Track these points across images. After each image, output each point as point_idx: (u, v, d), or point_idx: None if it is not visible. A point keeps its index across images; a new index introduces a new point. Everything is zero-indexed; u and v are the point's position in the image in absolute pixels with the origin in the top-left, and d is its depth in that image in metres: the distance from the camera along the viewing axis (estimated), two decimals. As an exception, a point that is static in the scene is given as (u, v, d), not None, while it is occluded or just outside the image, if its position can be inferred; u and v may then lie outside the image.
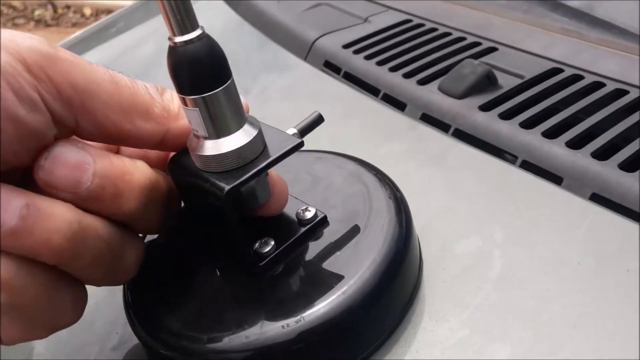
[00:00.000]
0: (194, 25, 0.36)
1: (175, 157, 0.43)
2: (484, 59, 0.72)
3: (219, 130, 0.39)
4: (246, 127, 0.40)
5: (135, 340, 0.46)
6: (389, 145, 0.63)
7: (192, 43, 0.36)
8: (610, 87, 0.62)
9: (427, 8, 0.88)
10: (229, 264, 0.45)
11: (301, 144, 0.42)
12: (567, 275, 0.42)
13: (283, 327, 0.39)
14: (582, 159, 0.53)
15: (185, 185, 0.42)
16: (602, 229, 0.45)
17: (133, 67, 0.99)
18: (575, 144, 0.55)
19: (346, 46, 0.83)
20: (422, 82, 0.70)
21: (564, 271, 0.43)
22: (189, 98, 0.38)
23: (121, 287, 0.48)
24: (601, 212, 0.47)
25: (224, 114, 0.38)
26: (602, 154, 0.53)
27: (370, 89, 0.74)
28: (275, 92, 0.82)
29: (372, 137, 0.65)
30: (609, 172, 0.50)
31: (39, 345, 0.51)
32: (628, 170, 0.50)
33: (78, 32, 1.31)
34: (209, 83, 0.37)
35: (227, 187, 0.38)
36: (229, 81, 0.38)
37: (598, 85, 0.63)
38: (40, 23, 6.00)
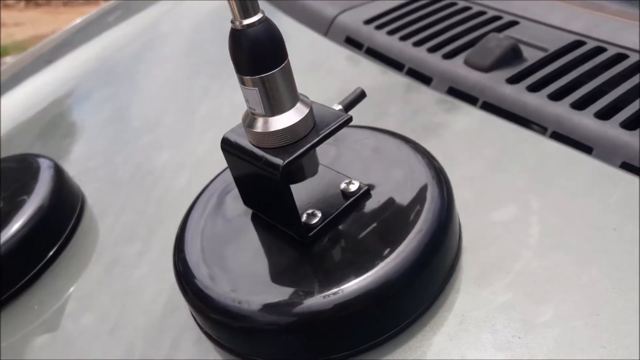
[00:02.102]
0: (255, 10, 0.37)
1: (227, 136, 0.45)
2: (506, 32, 0.73)
3: (274, 109, 0.41)
4: (299, 105, 0.41)
5: (182, 310, 0.49)
6: (419, 118, 0.64)
7: (253, 26, 0.37)
8: (633, 58, 0.63)
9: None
10: (277, 235, 0.47)
11: (350, 119, 0.43)
12: (603, 240, 0.44)
13: (323, 297, 0.41)
14: (611, 129, 0.54)
15: (240, 162, 0.44)
16: (635, 196, 0.47)
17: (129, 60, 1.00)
18: (603, 114, 0.56)
19: (367, 22, 0.84)
20: (447, 56, 0.71)
21: (600, 236, 0.45)
22: (248, 78, 0.39)
23: (171, 259, 0.50)
24: (632, 180, 0.49)
25: (280, 93, 0.40)
26: (630, 124, 0.54)
27: (394, 64, 0.75)
28: (297, 68, 0.82)
29: (401, 111, 0.66)
30: (638, 141, 0.52)
31: (86, 316, 0.53)
32: (657, 139, 0.52)
33: (78, 20, 1.31)
34: (267, 64, 0.39)
35: (283, 162, 0.40)
36: (285, 62, 0.40)
37: (621, 57, 0.64)
38: (31, 3, 5.94)
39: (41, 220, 0.60)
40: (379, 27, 0.81)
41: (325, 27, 0.88)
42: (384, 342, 0.42)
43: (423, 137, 0.55)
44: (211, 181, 0.55)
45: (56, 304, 0.56)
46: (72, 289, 0.57)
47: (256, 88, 0.39)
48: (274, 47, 0.39)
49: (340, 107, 0.47)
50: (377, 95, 0.71)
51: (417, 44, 0.75)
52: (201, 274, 0.46)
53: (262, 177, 0.42)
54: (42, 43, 1.29)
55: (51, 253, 0.61)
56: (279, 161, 0.40)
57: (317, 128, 0.42)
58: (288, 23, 0.93)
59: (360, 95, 0.48)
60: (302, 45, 0.87)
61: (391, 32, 0.79)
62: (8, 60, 4.26)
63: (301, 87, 0.72)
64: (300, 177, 0.45)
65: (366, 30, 0.82)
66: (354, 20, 0.85)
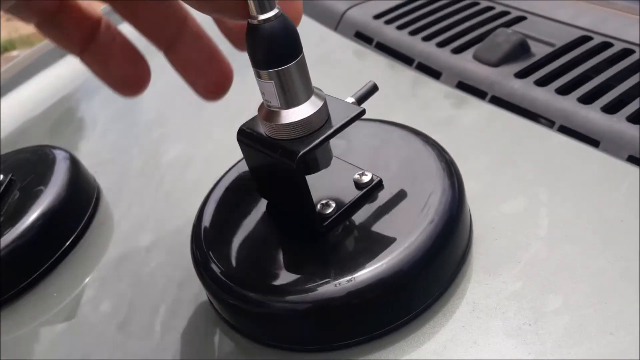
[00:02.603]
0: (272, 5, 0.38)
1: (243, 127, 0.46)
2: (514, 27, 0.74)
3: (289, 101, 0.42)
4: (313, 97, 0.43)
5: (199, 297, 0.50)
6: (428, 112, 0.65)
7: (270, 21, 0.38)
8: (639, 54, 0.64)
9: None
10: (292, 225, 0.48)
11: (363, 112, 0.44)
12: (611, 232, 0.45)
13: (335, 285, 0.42)
14: (618, 123, 0.55)
15: (256, 153, 0.45)
16: (641, 189, 0.48)
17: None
18: (610, 108, 0.57)
19: (377, 17, 0.85)
20: (456, 50, 0.72)
21: (608, 228, 0.46)
22: (264, 72, 0.40)
23: (186, 248, 0.51)
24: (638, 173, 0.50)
25: (295, 86, 0.41)
26: (636, 118, 0.55)
27: (404, 59, 0.76)
28: (308, 62, 0.83)
29: (410, 105, 0.67)
30: (644, 135, 0.53)
31: (104, 303, 0.55)
32: (663, 133, 0.53)
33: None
34: (283, 58, 0.40)
35: (299, 153, 0.41)
36: (301, 56, 0.41)
37: (627, 53, 0.65)
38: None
39: (59, 209, 0.61)
40: (388, 22, 0.82)
41: (335, 21, 0.89)
42: (397, 328, 0.43)
43: (432, 130, 0.56)
44: (226, 173, 0.56)
45: (75, 291, 0.57)
46: (90, 277, 0.59)
47: (272, 81, 0.41)
48: (289, 42, 0.40)
49: (353, 100, 0.48)
50: (386, 89, 0.71)
51: (427, 38, 0.76)
52: (218, 261, 0.47)
53: (278, 167, 0.43)
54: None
55: (69, 242, 0.62)
56: (294, 152, 0.41)
57: (331, 120, 0.43)
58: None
59: (373, 89, 0.49)
60: (312, 39, 0.88)
61: (400, 27, 0.80)
62: (15, 54, 4.28)
63: (313, 81, 0.73)
64: (314, 168, 0.46)
65: (376, 25, 0.83)
66: (363, 15, 0.86)
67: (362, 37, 0.84)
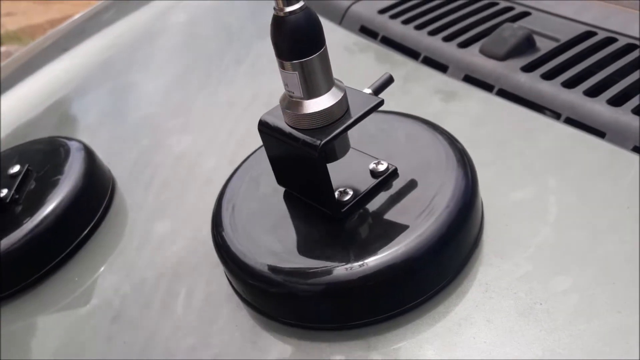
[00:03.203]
0: None
1: (264, 118, 0.47)
2: (519, 22, 0.76)
3: (312, 92, 0.43)
4: (334, 89, 0.44)
5: (219, 280, 0.52)
6: (438, 104, 0.67)
7: (295, 13, 0.40)
8: (643, 48, 0.66)
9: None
10: (310, 212, 0.50)
11: (381, 102, 0.46)
12: (617, 218, 0.47)
13: (354, 268, 0.44)
14: (623, 115, 0.57)
15: (277, 142, 0.47)
16: (646, 177, 0.50)
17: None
18: (615, 101, 0.59)
19: (382, 11, 0.86)
20: (463, 44, 0.74)
21: (615, 214, 0.48)
22: (288, 63, 0.42)
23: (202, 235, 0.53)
24: (644, 163, 0.52)
25: (317, 77, 0.43)
26: (640, 110, 0.57)
27: (410, 53, 0.78)
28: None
29: (419, 98, 0.69)
30: (648, 126, 0.55)
31: (124, 287, 0.56)
32: (666, 124, 0.55)
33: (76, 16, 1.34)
34: (307, 49, 0.42)
35: (320, 142, 0.43)
36: (323, 48, 0.42)
37: (631, 47, 0.67)
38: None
39: (77, 198, 0.63)
40: (393, 17, 0.84)
41: (339, 16, 0.91)
42: (414, 308, 0.45)
43: (442, 122, 0.57)
44: (243, 162, 0.58)
45: (95, 276, 0.59)
46: (109, 262, 0.60)
47: (296, 72, 0.42)
48: (313, 34, 0.41)
49: (370, 91, 0.49)
50: (394, 83, 0.73)
51: (432, 33, 0.78)
52: (239, 245, 0.49)
53: (299, 156, 0.45)
54: (54, 30, 1.32)
55: (87, 229, 0.63)
56: (316, 141, 0.43)
57: (351, 111, 0.45)
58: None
59: (388, 80, 0.51)
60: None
61: (406, 22, 0.82)
62: (3, 49, 4.26)
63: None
64: (332, 157, 0.48)
65: (380, 19, 0.85)
66: (367, 9, 0.88)
67: (367, 31, 0.85)
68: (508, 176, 0.54)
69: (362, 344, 0.44)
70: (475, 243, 0.48)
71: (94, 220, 0.65)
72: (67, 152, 0.70)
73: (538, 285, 0.44)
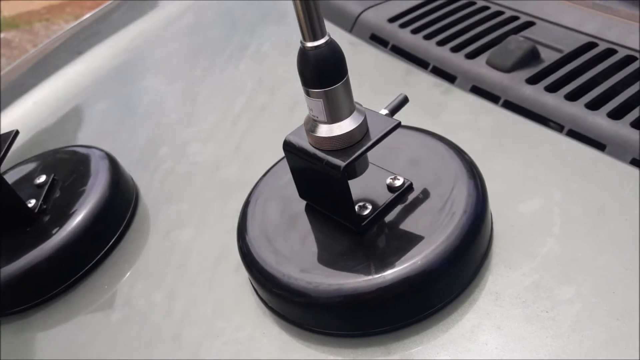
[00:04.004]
0: (323, 33, 0.44)
1: (288, 139, 0.51)
2: (524, 33, 0.79)
3: (335, 117, 0.47)
4: (355, 112, 0.48)
5: (243, 285, 0.56)
6: (445, 116, 0.70)
7: (320, 48, 0.44)
8: (642, 60, 0.70)
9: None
10: (330, 224, 0.54)
11: (398, 124, 0.50)
12: (616, 229, 0.51)
13: (368, 281, 0.48)
14: (622, 128, 0.61)
15: (301, 161, 0.50)
16: (644, 190, 0.54)
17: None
18: (615, 114, 0.63)
19: (391, 20, 0.89)
20: (470, 55, 0.77)
21: (614, 225, 0.51)
22: (313, 91, 0.46)
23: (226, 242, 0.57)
24: (642, 175, 0.56)
25: (340, 104, 0.46)
26: (639, 124, 0.61)
27: (419, 62, 0.81)
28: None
29: (427, 108, 0.72)
30: (646, 139, 0.59)
31: (155, 294, 0.60)
32: (663, 137, 0.58)
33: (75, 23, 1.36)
34: (331, 79, 0.45)
35: (344, 163, 0.47)
36: (346, 77, 0.46)
37: (630, 59, 0.71)
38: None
39: (105, 208, 0.66)
40: (402, 26, 0.87)
41: (350, 24, 0.94)
42: (429, 316, 0.49)
43: (450, 133, 0.61)
44: (264, 174, 0.62)
45: (124, 283, 0.63)
46: (137, 269, 0.64)
47: (320, 99, 0.46)
48: (337, 66, 0.45)
49: (387, 111, 0.53)
50: (405, 92, 0.77)
51: (441, 43, 0.81)
52: (265, 256, 0.53)
53: (323, 175, 0.49)
54: (64, 32, 1.34)
55: (114, 238, 0.67)
56: (340, 163, 0.47)
57: (370, 133, 0.49)
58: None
59: (404, 101, 0.54)
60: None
61: (415, 31, 0.85)
62: (2, 36, 4.26)
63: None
64: (352, 175, 0.52)
65: (390, 28, 0.88)
66: (377, 18, 0.91)
67: (377, 39, 0.89)
68: (514, 188, 0.58)
69: (382, 349, 0.48)
70: (485, 253, 0.52)
71: (121, 228, 0.68)
72: (92, 161, 0.73)
73: (544, 294, 0.48)
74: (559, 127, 0.65)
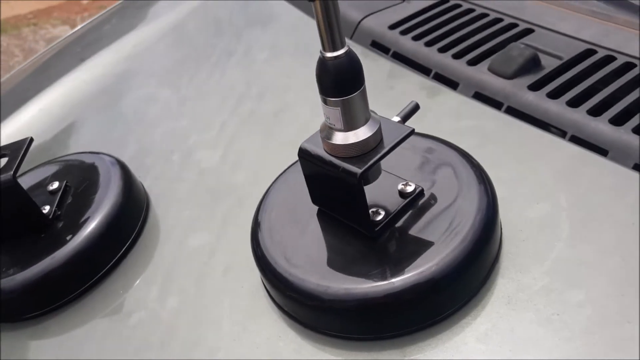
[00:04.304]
0: (342, 44, 0.45)
1: (304, 146, 0.52)
2: (524, 40, 0.81)
3: (351, 125, 0.48)
4: (371, 121, 0.49)
5: (257, 292, 0.56)
6: (450, 121, 0.72)
7: (339, 58, 0.45)
8: (640, 67, 0.71)
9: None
10: (343, 229, 0.55)
11: (412, 131, 0.51)
12: (624, 233, 0.52)
13: (383, 286, 0.49)
14: (624, 134, 0.62)
15: (316, 168, 0.51)
16: (649, 195, 0.56)
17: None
18: (616, 120, 0.64)
19: (392, 27, 0.90)
20: (472, 62, 0.79)
21: (621, 230, 0.53)
22: (331, 99, 0.46)
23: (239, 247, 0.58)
24: (645, 180, 0.57)
25: (356, 112, 0.47)
26: (640, 129, 0.62)
27: (421, 69, 0.83)
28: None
29: (432, 115, 0.74)
30: (648, 145, 0.60)
31: (171, 299, 0.61)
32: (664, 143, 0.60)
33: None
34: (348, 89, 0.46)
35: (360, 170, 0.47)
36: (363, 86, 0.47)
37: (629, 66, 0.72)
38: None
39: (118, 215, 0.67)
40: (403, 33, 0.88)
41: (351, 30, 0.95)
42: (443, 319, 0.50)
43: (456, 139, 0.62)
44: (276, 179, 0.62)
45: (139, 288, 0.63)
46: (151, 274, 0.64)
47: (338, 108, 0.47)
48: (354, 76, 0.46)
49: (399, 118, 0.54)
50: (409, 99, 0.78)
51: (442, 50, 0.83)
52: (281, 261, 0.54)
53: (338, 182, 0.50)
54: (63, 39, 1.34)
55: (127, 243, 0.67)
56: (356, 170, 0.47)
57: (384, 140, 0.50)
58: (314, 25, 1.00)
59: (415, 108, 0.55)
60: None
61: (416, 38, 0.86)
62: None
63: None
64: (366, 181, 0.53)
65: (391, 35, 0.89)
66: (378, 24, 0.92)
67: (379, 46, 0.90)
68: (521, 193, 0.59)
69: (398, 352, 0.49)
70: (496, 257, 0.53)
71: (134, 234, 0.69)
72: (103, 167, 0.73)
73: (555, 298, 0.49)
74: (561, 133, 0.67)
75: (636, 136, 0.62)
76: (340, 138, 0.48)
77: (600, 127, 0.64)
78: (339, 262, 0.52)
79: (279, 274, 0.53)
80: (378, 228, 0.53)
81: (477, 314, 0.50)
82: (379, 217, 0.53)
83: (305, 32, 0.98)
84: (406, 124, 0.54)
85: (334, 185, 0.51)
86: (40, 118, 1.00)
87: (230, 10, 1.15)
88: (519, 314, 0.49)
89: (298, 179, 0.57)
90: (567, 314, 0.48)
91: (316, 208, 0.57)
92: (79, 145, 0.90)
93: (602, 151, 0.63)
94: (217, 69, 0.98)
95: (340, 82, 0.45)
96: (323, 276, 0.51)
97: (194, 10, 1.18)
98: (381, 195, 0.55)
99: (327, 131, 0.49)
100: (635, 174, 0.59)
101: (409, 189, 0.55)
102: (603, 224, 0.54)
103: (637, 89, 0.68)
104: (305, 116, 0.80)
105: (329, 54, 0.45)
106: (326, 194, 0.54)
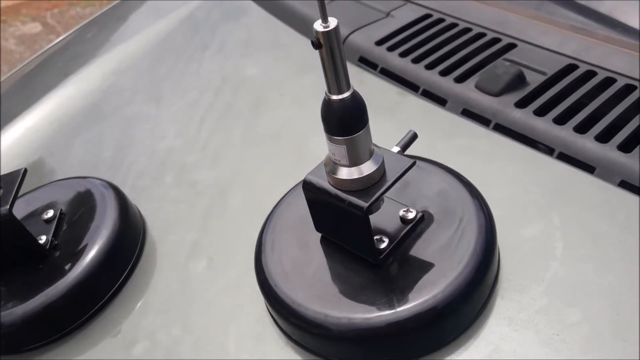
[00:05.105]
0: (348, 86, 0.46)
1: (308, 179, 0.53)
2: (507, 55, 0.83)
3: (356, 160, 0.50)
4: (374, 156, 0.51)
5: (262, 318, 0.58)
6: (439, 140, 0.74)
7: (344, 101, 0.46)
8: (620, 82, 0.74)
9: (442, 2, 0.97)
10: (347, 256, 0.56)
11: (413, 164, 0.52)
12: (615, 251, 0.55)
13: (389, 315, 0.50)
14: (610, 151, 0.65)
15: (322, 200, 0.52)
16: (636, 213, 0.58)
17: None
18: (602, 137, 0.67)
19: (379, 42, 0.92)
20: (458, 79, 0.81)
21: (613, 247, 0.56)
22: (336, 138, 0.48)
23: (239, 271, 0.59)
24: (633, 198, 0.60)
25: (361, 149, 0.49)
26: (625, 147, 0.65)
27: (410, 85, 0.84)
28: (315, 88, 0.90)
29: (425, 132, 0.75)
30: (633, 162, 0.63)
31: (175, 328, 0.62)
32: (648, 160, 0.63)
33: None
34: (353, 128, 0.48)
35: (366, 204, 0.49)
36: (366, 125, 0.49)
37: (610, 81, 0.75)
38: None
39: (116, 242, 0.67)
40: (390, 49, 0.90)
41: (337, 45, 0.96)
42: (448, 343, 0.52)
43: (448, 158, 0.64)
44: (276, 205, 0.64)
45: (140, 316, 0.64)
46: (151, 303, 0.65)
47: (344, 145, 0.48)
48: (359, 116, 0.48)
49: (398, 148, 0.56)
50: (398, 117, 0.80)
51: (429, 67, 0.85)
52: (286, 290, 0.55)
53: (344, 213, 0.51)
54: (43, 52, 1.32)
55: (127, 271, 0.68)
56: (362, 204, 0.49)
57: (387, 173, 0.52)
58: (301, 41, 1.01)
59: (413, 137, 0.57)
60: (317, 63, 0.95)
61: (403, 54, 0.88)
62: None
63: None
64: (370, 212, 0.54)
65: (379, 51, 0.91)
66: (365, 40, 0.94)
67: (366, 62, 0.91)
68: (515, 213, 0.61)
69: (407, 376, 0.51)
70: (495, 279, 0.55)
71: (132, 260, 0.69)
72: (97, 193, 0.73)
73: (554, 317, 0.51)
74: (549, 150, 0.69)
75: (621, 153, 0.64)
76: (345, 173, 0.50)
77: (587, 145, 0.67)
78: (346, 290, 0.54)
79: (287, 304, 0.54)
80: (382, 256, 0.54)
81: (480, 336, 0.52)
82: (383, 245, 0.55)
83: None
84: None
85: (339, 216, 0.52)
86: (26, 138, 0.99)
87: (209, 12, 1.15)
88: (521, 335, 0.51)
89: (299, 203, 0.59)
90: (566, 334, 0.50)
91: (319, 234, 0.59)
92: (69, 168, 0.89)
93: (589, 168, 0.65)
94: (210, 84, 0.99)
95: (345, 123, 0.47)
96: (331, 304, 0.53)
97: (177, 19, 1.18)
98: (383, 222, 0.57)
99: (331, 165, 0.51)
100: (622, 191, 0.62)
101: (410, 215, 0.57)
102: (594, 242, 0.57)
103: (619, 105, 0.70)
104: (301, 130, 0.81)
105: (334, 97, 0.46)
106: (330, 224, 0.56)
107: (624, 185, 0.62)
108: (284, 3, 1.08)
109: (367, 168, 0.50)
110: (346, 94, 0.46)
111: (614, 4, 0.85)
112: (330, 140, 0.49)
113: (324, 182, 0.52)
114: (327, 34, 0.44)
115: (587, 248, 0.56)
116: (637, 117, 0.68)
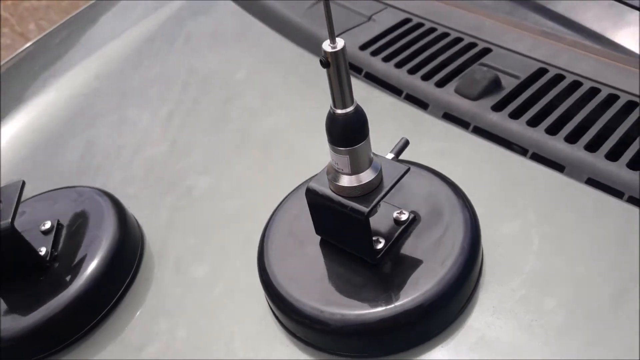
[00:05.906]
0: (352, 101, 0.51)
1: (311, 186, 0.58)
2: (484, 60, 0.89)
3: (357, 169, 0.55)
4: (373, 164, 0.56)
5: (265, 318, 0.63)
6: (422, 143, 0.79)
7: (348, 115, 0.51)
8: (586, 85, 0.81)
9: (420, 6, 1.02)
10: (346, 257, 0.62)
11: (408, 169, 0.58)
12: (587, 244, 0.62)
13: (386, 310, 0.56)
14: (577, 151, 0.72)
15: (324, 206, 0.58)
16: (601, 209, 0.65)
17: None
18: (570, 138, 0.74)
19: (363, 47, 0.97)
20: (439, 84, 0.87)
21: (584, 241, 0.62)
22: (340, 149, 0.53)
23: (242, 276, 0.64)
24: (599, 195, 0.67)
25: (362, 158, 0.55)
26: (591, 146, 0.72)
27: (393, 89, 0.90)
28: (301, 90, 0.95)
29: (410, 135, 0.81)
30: (598, 161, 0.70)
31: (182, 329, 0.66)
32: (612, 159, 0.70)
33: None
34: (356, 140, 0.53)
35: (367, 209, 0.55)
36: (368, 136, 0.54)
37: (577, 84, 0.82)
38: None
39: (116, 251, 0.69)
40: (374, 54, 0.95)
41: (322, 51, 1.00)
42: (439, 333, 0.58)
43: (432, 160, 0.70)
44: (276, 210, 0.69)
45: (144, 323, 0.68)
46: (154, 310, 0.69)
47: (347, 155, 0.54)
48: (361, 129, 0.53)
49: (392, 154, 0.62)
50: (382, 121, 0.85)
51: (411, 71, 0.90)
52: (289, 289, 0.60)
53: (345, 218, 0.57)
54: (15, 54, 1.32)
55: (128, 279, 0.70)
56: (363, 209, 0.55)
57: (384, 180, 0.57)
58: (286, 46, 1.05)
59: (405, 144, 0.63)
60: (301, 67, 1.00)
61: (386, 59, 0.93)
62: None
63: (309, 109, 0.83)
64: (368, 216, 0.60)
65: (363, 56, 0.96)
66: (349, 45, 0.97)
67: (351, 66, 0.96)
68: (495, 212, 0.68)
69: (404, 364, 0.57)
70: (480, 273, 0.62)
71: (133, 269, 0.72)
72: (94, 202, 0.75)
73: (532, 307, 0.58)
74: (523, 151, 0.76)
75: (588, 152, 0.71)
76: (346, 180, 0.55)
77: (557, 145, 0.73)
78: (347, 288, 0.59)
79: (290, 303, 0.59)
80: (379, 256, 0.60)
81: (469, 325, 0.58)
82: (380, 246, 0.61)
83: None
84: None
85: (340, 220, 0.58)
86: (10, 146, 1.00)
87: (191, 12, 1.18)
88: (504, 323, 0.58)
89: (299, 207, 0.64)
90: (543, 320, 0.57)
91: (318, 237, 0.64)
92: (59, 177, 0.90)
93: (559, 167, 0.72)
94: (195, 87, 1.02)
95: (348, 135, 0.52)
96: (334, 303, 0.58)
97: (157, 21, 1.20)
98: (378, 223, 0.63)
99: (334, 173, 0.56)
100: (588, 188, 0.68)
101: (403, 217, 0.63)
102: (566, 237, 0.63)
103: (585, 107, 0.77)
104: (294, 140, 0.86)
105: (339, 111, 0.51)
106: (331, 227, 0.61)
107: (591, 182, 0.69)
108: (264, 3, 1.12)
109: (367, 176, 0.55)
110: (350, 109, 0.51)
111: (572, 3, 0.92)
112: (333, 150, 0.54)
113: (326, 189, 0.57)
114: (335, 54, 0.49)
115: (559, 242, 0.63)
116: (602, 118, 0.75)
